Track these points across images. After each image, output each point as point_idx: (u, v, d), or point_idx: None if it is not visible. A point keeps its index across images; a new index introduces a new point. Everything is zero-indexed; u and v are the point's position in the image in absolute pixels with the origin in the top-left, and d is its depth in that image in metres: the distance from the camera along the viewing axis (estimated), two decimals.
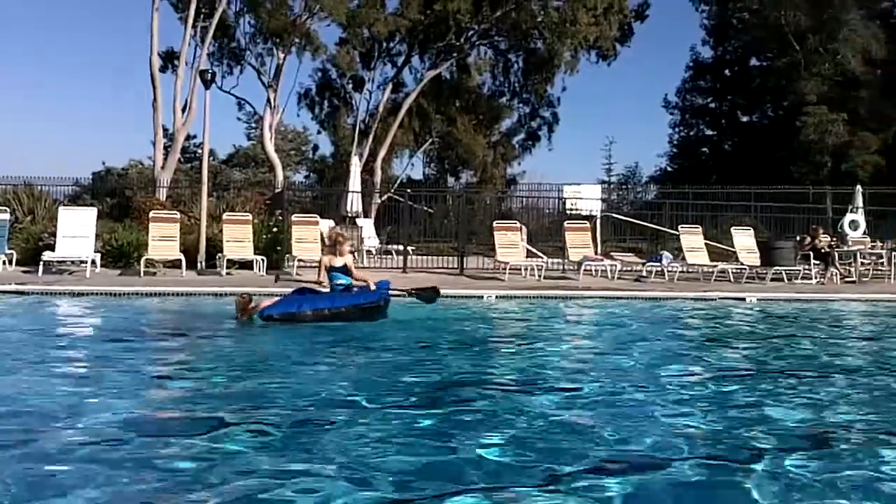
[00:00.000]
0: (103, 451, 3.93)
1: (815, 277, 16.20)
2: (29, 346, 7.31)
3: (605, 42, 29.64)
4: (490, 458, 3.93)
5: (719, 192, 25.80)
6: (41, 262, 13.26)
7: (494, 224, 16.49)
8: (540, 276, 15.29)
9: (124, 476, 3.58)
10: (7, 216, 14.75)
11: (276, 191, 24.13)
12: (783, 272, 15.96)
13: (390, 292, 9.59)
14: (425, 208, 25.54)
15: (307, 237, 15.39)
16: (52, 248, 13.84)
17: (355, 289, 9.45)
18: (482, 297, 12.33)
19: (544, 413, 4.92)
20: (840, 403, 5.49)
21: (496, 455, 3.97)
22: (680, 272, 16.08)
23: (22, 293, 11.25)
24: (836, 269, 16.42)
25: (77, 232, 13.99)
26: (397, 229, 21.14)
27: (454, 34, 28.91)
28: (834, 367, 7.14)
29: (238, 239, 14.84)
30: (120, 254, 14.83)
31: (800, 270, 16.30)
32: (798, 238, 17.39)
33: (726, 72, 42.09)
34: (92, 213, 14.70)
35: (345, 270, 9.41)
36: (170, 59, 26.37)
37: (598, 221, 20.18)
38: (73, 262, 13.99)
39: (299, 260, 14.69)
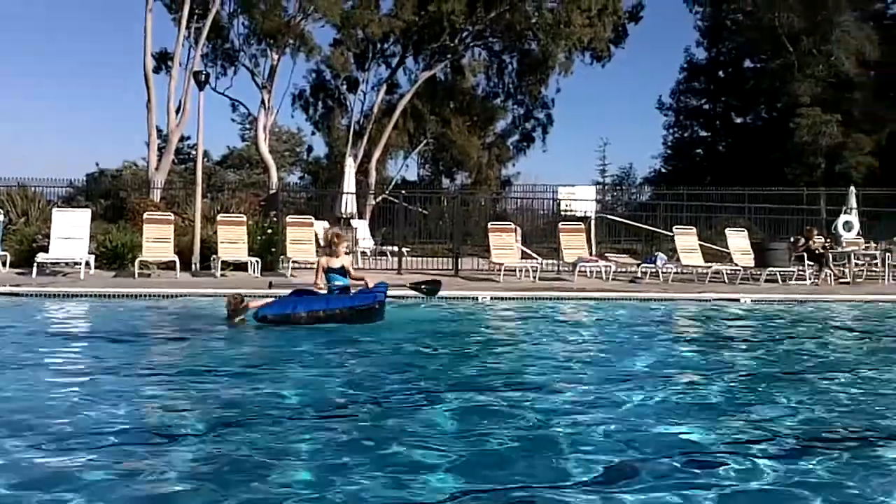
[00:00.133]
0: (96, 452, 3.92)
1: (809, 278, 16.24)
2: (21, 348, 7.27)
3: (599, 43, 29.71)
4: (477, 460, 3.92)
5: (713, 193, 25.87)
6: (35, 264, 13.20)
7: (489, 225, 16.49)
8: (535, 277, 15.29)
9: (120, 476, 3.57)
10: (0, 218, 14.70)
11: (271, 192, 24.10)
12: (777, 273, 16.00)
13: (388, 294, 9.52)
14: (420, 210, 25.55)
15: (302, 239, 15.38)
16: (45, 249, 13.77)
17: (353, 290, 9.38)
18: (477, 298, 12.32)
19: (536, 415, 4.91)
20: (836, 404, 5.49)
21: (484, 458, 3.97)
22: (674, 273, 16.11)
23: (16, 295, 11.20)
24: (830, 270, 16.48)
25: (71, 233, 13.92)
26: (392, 231, 21.16)
27: (448, 35, 28.93)
28: (829, 369, 7.15)
29: (232, 240, 14.80)
30: (114, 255, 14.80)
31: (794, 271, 16.34)
32: (792, 239, 17.44)
33: (720, 73, 42.24)
34: (86, 214, 14.64)
35: (342, 272, 9.33)
36: (163, 60, 26.33)
37: (593, 223, 20.19)
38: (67, 263, 13.94)
39: (294, 262, 14.67)
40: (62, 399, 5.15)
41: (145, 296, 11.65)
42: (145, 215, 15.00)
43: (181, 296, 11.66)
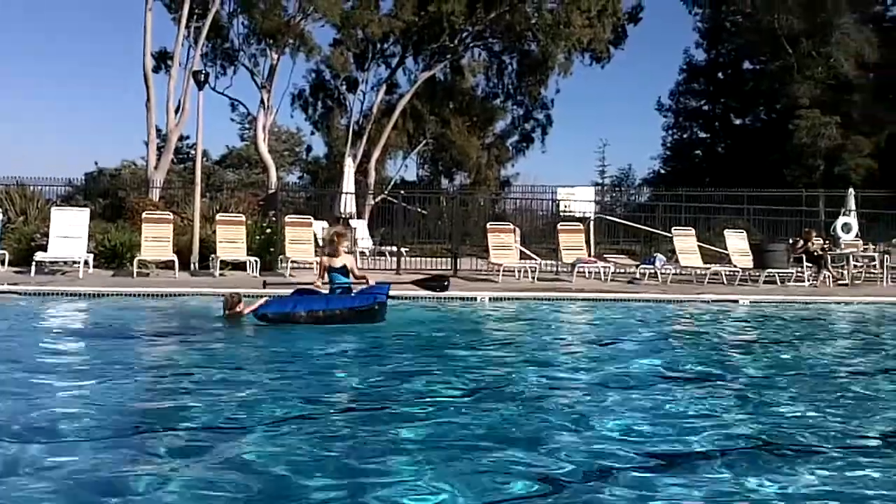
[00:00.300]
0: (91, 451, 3.92)
1: (808, 280, 16.25)
2: (19, 347, 7.27)
3: (598, 44, 29.71)
4: (474, 461, 3.92)
5: (712, 194, 25.92)
6: (33, 263, 13.19)
7: (488, 226, 16.49)
8: (533, 277, 15.30)
9: (114, 476, 3.57)
10: None
11: (270, 192, 24.09)
12: (776, 275, 16.00)
13: (389, 295, 9.48)
14: (419, 210, 25.55)
15: (300, 238, 15.37)
16: (44, 248, 13.77)
17: (355, 290, 9.34)
18: (475, 298, 12.32)
19: (532, 416, 4.92)
20: (833, 405, 5.50)
21: (481, 458, 3.96)
22: (673, 274, 16.11)
23: (14, 293, 11.19)
24: (829, 271, 16.49)
25: (70, 232, 13.91)
26: (391, 231, 21.15)
27: (448, 36, 28.93)
28: (826, 370, 7.15)
29: (231, 240, 14.80)
30: (113, 254, 14.79)
31: (792, 273, 16.35)
32: (791, 241, 17.45)
33: (720, 75, 42.27)
34: (85, 213, 14.63)
35: (344, 271, 9.32)
36: (163, 59, 26.31)
37: (592, 223, 20.20)
38: (65, 262, 13.93)
39: (292, 261, 14.67)
40: (59, 398, 5.15)
41: (144, 295, 11.65)
42: (144, 214, 14.99)
43: (179, 295, 11.66)
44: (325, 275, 9.30)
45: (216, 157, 44.82)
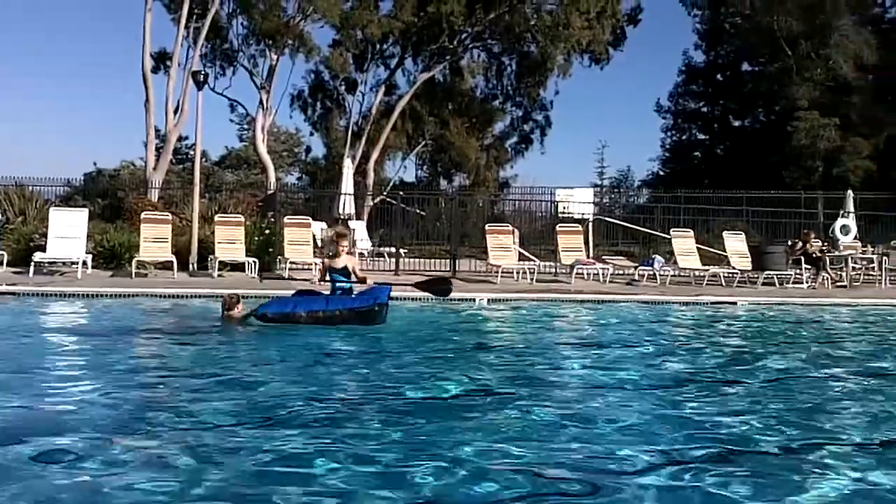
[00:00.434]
0: (90, 451, 3.91)
1: (807, 282, 16.26)
2: (19, 347, 7.27)
3: (597, 46, 29.73)
4: (471, 462, 3.92)
5: (711, 196, 25.90)
6: (32, 263, 13.18)
7: (487, 227, 16.48)
8: (532, 279, 15.30)
9: (114, 477, 3.56)
10: None
11: (269, 192, 24.07)
12: (774, 276, 16.01)
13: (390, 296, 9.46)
14: (418, 211, 25.55)
15: (299, 239, 15.37)
16: (43, 248, 13.76)
17: (356, 291, 9.33)
18: (474, 299, 12.32)
19: (530, 417, 4.91)
20: (831, 406, 5.51)
21: (477, 460, 3.96)
22: (672, 276, 16.12)
23: (13, 294, 11.17)
24: (828, 273, 16.50)
25: (68, 233, 13.90)
26: (390, 232, 21.14)
27: (447, 37, 28.95)
28: (824, 371, 7.15)
29: (230, 241, 14.79)
30: (111, 255, 14.79)
31: (791, 275, 16.36)
32: (789, 242, 17.45)
33: (719, 76, 42.29)
34: (83, 214, 14.62)
35: (345, 273, 9.31)
36: (162, 59, 26.32)
37: (591, 225, 20.21)
38: (64, 263, 13.91)
39: (291, 262, 14.66)
40: (58, 398, 5.15)
41: (142, 295, 11.64)
42: (143, 215, 14.98)
43: (178, 296, 11.65)
44: (327, 275, 9.31)
45: (215, 157, 44.85)
